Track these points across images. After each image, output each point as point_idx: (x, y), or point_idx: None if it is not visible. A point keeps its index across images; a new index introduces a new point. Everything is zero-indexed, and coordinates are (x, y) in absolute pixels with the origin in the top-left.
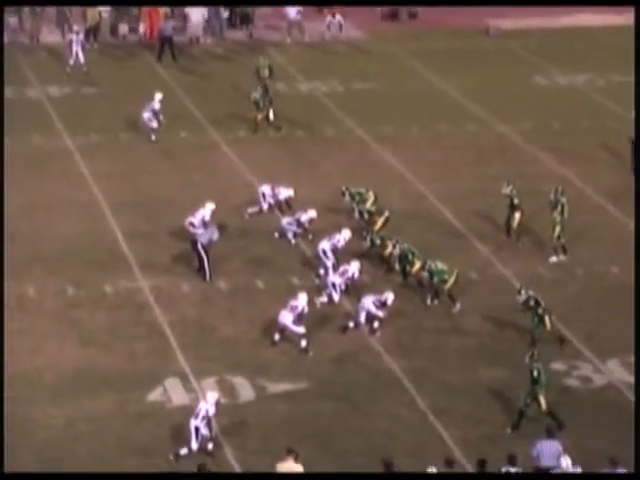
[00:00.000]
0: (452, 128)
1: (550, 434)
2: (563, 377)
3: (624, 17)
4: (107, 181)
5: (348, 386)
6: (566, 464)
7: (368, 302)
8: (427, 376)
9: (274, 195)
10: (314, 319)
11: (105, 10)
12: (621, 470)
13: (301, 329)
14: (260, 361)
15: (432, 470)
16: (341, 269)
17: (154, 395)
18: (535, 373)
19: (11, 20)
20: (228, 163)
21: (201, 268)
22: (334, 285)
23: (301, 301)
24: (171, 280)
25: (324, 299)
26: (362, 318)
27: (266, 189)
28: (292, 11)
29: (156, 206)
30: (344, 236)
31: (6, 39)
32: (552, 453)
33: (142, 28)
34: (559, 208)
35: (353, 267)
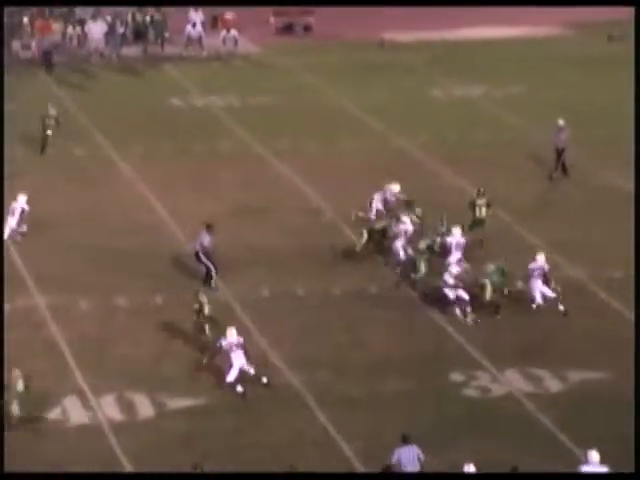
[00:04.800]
0: (349, 142)
1: (406, 440)
2: (462, 388)
3: (520, 29)
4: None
5: (248, 401)
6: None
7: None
8: (328, 390)
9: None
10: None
11: None
12: None
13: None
14: (160, 377)
15: None
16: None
17: (53, 414)
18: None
19: None
20: (125, 179)
21: (207, 277)
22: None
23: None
24: (68, 297)
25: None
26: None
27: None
28: (192, 31)
29: (53, 223)
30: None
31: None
32: (410, 458)
33: (34, 45)
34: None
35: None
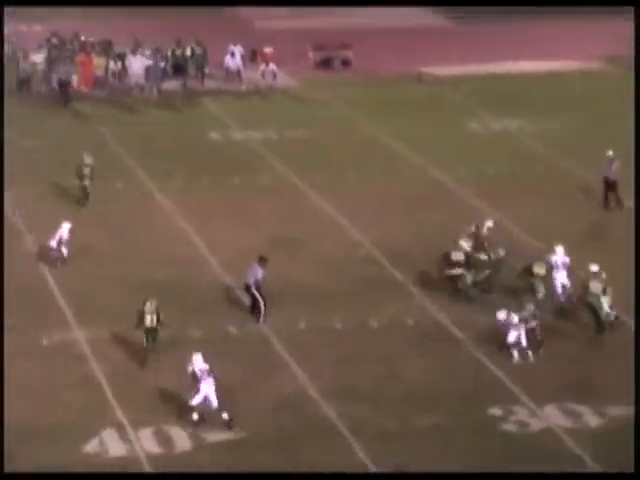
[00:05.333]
0: (387, 175)
1: None
2: (500, 422)
3: (557, 63)
4: (46, 231)
5: (286, 433)
6: None
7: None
8: (365, 423)
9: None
10: (255, 367)
11: (39, 62)
12: None
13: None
14: (197, 410)
15: None
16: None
17: (90, 446)
18: None
19: None
20: (163, 212)
21: (255, 310)
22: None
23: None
24: (106, 330)
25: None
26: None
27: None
28: (231, 62)
29: (92, 254)
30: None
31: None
32: None
33: (75, 79)
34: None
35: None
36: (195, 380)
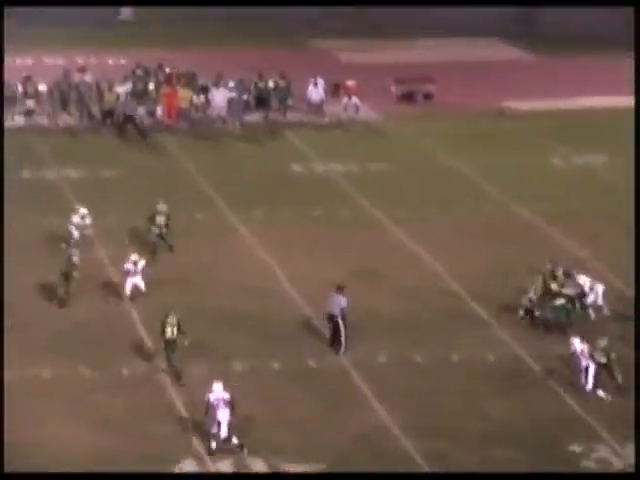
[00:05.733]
0: (468, 209)
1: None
2: (580, 459)
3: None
4: (123, 262)
5: (364, 467)
6: None
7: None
8: (444, 458)
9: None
10: (334, 400)
11: (122, 93)
12: None
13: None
14: (275, 442)
15: None
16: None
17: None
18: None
19: (28, 102)
20: (244, 243)
21: (335, 341)
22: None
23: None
24: (185, 360)
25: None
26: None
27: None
28: (315, 94)
29: (174, 288)
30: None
31: (24, 122)
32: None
33: (159, 111)
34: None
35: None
36: (211, 408)
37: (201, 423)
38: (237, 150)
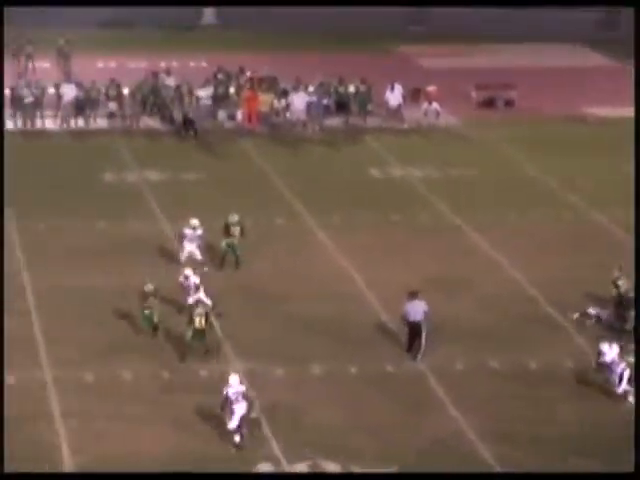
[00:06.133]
0: (548, 216)
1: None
2: None
3: None
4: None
5: (441, 473)
6: None
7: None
8: (520, 465)
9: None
10: (411, 405)
11: (204, 97)
12: None
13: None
14: (352, 446)
15: None
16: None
17: None
18: None
19: (110, 105)
20: (323, 248)
21: (414, 345)
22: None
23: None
24: (263, 363)
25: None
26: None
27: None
28: (393, 99)
29: (253, 292)
30: None
31: (106, 124)
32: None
33: (240, 115)
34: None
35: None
36: (228, 402)
37: (278, 426)
38: (316, 154)
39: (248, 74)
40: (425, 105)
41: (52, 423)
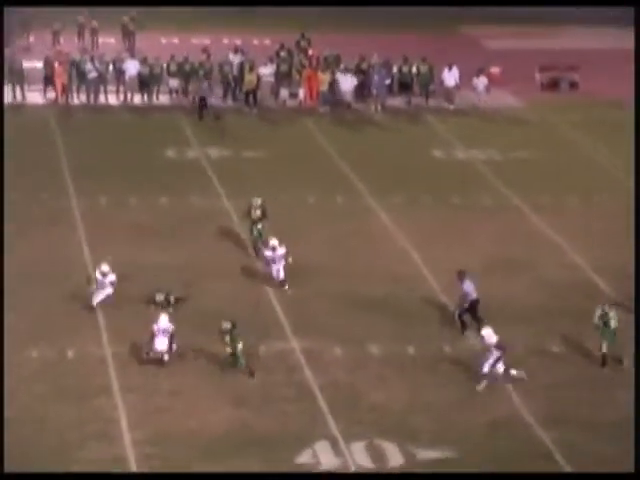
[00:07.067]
0: (610, 199)
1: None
2: None
3: None
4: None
5: (498, 456)
6: None
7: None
8: (580, 449)
9: None
10: (469, 387)
11: (267, 74)
12: None
13: None
14: (410, 427)
15: None
16: None
17: (303, 457)
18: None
19: (172, 81)
20: (383, 228)
21: (465, 326)
22: None
23: None
24: (322, 343)
25: None
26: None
27: None
28: (449, 78)
29: (309, 271)
30: None
31: (169, 101)
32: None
33: (302, 93)
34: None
35: None
36: (151, 335)
37: (336, 404)
38: (378, 134)
39: (310, 52)
40: (474, 80)
41: (111, 398)
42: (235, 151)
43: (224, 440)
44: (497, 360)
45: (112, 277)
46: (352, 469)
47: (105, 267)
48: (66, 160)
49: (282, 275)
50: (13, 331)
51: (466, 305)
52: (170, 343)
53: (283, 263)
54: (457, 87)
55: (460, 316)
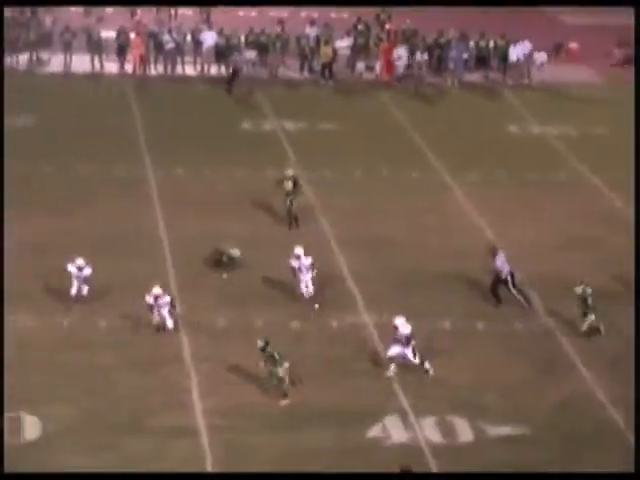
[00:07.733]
0: None
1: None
2: None
3: None
4: (337, 217)
5: (571, 435)
6: None
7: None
8: None
9: None
10: (541, 364)
11: (343, 47)
12: None
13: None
14: (481, 403)
15: None
16: None
17: (373, 431)
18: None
19: (249, 53)
20: (457, 204)
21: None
22: None
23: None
24: (391, 317)
25: None
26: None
27: None
28: (512, 53)
29: (384, 245)
30: None
31: (246, 72)
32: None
33: (378, 67)
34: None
35: None
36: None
37: (407, 379)
38: (454, 109)
39: (387, 26)
40: (539, 61)
41: (184, 367)
42: (311, 123)
43: (291, 415)
44: (412, 351)
45: (88, 271)
46: (422, 444)
47: (80, 261)
48: (143, 131)
49: (312, 289)
50: (85, 301)
51: (502, 278)
52: (169, 312)
53: (311, 275)
54: (521, 62)
55: (494, 290)
